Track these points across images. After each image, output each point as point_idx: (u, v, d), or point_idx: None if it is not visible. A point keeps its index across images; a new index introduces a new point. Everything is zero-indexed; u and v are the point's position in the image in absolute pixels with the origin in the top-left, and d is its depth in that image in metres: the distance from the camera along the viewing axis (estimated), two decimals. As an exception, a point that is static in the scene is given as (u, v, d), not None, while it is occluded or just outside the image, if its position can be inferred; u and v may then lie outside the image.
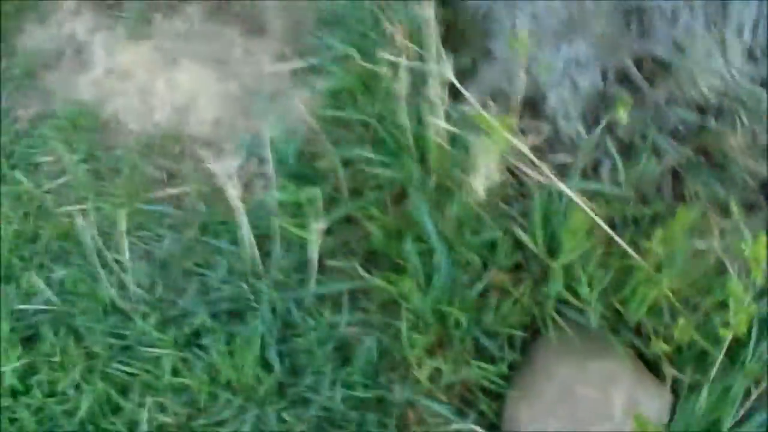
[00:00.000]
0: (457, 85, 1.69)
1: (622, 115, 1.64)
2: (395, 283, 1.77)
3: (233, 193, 1.73)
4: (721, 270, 1.70)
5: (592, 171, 1.89)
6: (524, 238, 1.75)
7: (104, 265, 1.94)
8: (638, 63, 1.87)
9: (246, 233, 1.78)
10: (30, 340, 2.00)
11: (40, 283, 1.97)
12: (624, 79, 1.89)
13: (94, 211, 2.04)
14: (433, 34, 1.77)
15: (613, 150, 1.88)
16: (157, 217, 2.04)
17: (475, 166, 1.70)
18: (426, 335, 1.74)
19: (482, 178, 1.69)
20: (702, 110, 1.86)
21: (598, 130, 1.85)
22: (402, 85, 1.82)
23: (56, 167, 2.19)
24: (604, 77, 1.88)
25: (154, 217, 2.04)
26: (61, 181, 2.16)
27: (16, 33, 2.44)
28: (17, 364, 1.93)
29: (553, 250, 1.76)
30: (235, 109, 2.15)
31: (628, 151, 1.89)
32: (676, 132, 1.88)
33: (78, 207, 2.09)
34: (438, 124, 1.71)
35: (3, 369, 1.94)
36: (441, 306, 1.74)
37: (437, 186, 1.77)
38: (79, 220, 2.03)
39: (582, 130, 1.88)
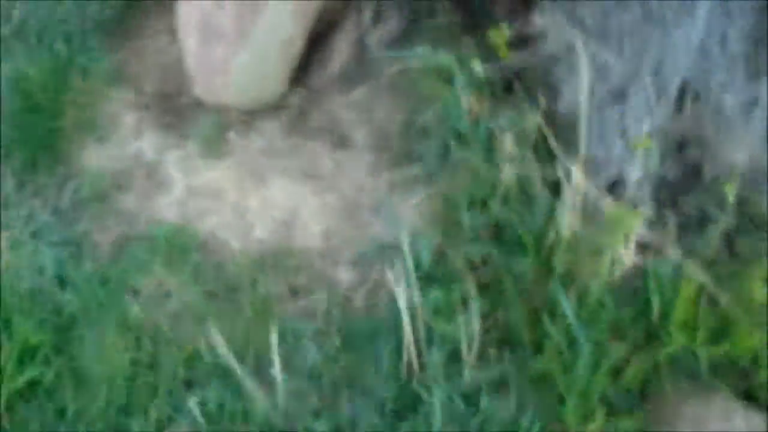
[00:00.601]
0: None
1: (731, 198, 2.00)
2: (541, 362, 2.01)
3: (400, 294, 1.87)
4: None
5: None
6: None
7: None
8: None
9: (408, 335, 1.92)
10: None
11: (192, 409, 1.93)
12: (678, 161, 2.26)
13: (219, 331, 2.04)
14: (547, 138, 2.06)
15: (673, 223, 2.25)
16: (293, 330, 2.06)
17: (608, 254, 1.99)
18: (576, 405, 1.98)
19: (614, 264, 1.99)
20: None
21: (670, 210, 2.21)
22: (516, 187, 2.09)
23: (160, 290, 2.14)
24: (662, 161, 2.25)
25: (288, 330, 2.05)
26: (170, 303, 2.12)
27: (79, 153, 2.34)
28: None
29: (664, 315, 2.08)
30: (341, 220, 2.19)
31: (687, 222, 2.27)
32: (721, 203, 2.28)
33: (199, 329, 2.08)
34: (570, 219, 1.98)
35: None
36: (585, 377, 2.00)
37: (567, 273, 2.03)
38: (206, 342, 2.06)
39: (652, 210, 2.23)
